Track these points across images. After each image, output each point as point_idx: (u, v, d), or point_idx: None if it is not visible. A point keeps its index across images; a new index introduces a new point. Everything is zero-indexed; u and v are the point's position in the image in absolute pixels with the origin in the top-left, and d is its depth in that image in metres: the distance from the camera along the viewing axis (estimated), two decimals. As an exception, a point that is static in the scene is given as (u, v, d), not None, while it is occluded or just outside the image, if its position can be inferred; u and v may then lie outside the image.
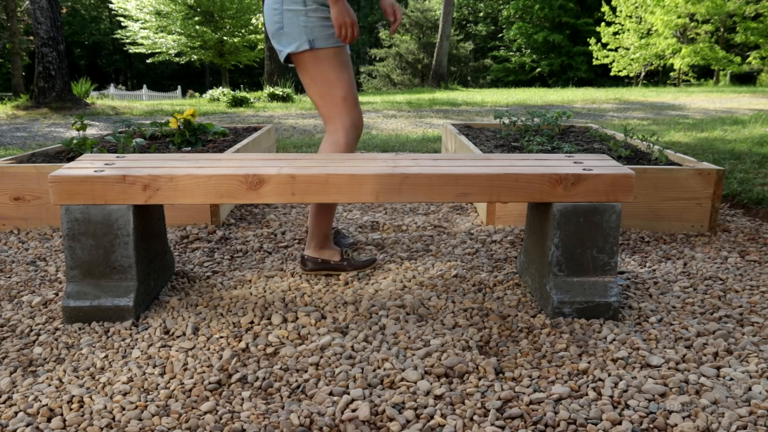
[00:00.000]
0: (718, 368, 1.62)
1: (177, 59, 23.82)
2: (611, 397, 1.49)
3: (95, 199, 1.88)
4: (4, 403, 1.49)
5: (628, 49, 22.65)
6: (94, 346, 1.78)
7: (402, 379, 1.57)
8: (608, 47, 23.30)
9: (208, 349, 1.76)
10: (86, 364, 1.67)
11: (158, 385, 1.57)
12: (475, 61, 30.89)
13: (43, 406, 1.46)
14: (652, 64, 23.32)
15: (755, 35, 19.88)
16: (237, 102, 12.13)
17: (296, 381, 1.58)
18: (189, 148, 3.74)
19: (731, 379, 1.57)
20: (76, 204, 1.88)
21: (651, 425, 1.38)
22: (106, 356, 1.71)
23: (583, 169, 1.92)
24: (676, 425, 1.38)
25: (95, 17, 34.18)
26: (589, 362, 1.66)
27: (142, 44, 23.13)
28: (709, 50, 20.37)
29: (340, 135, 2.26)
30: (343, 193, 1.92)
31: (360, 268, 2.38)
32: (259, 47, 24.09)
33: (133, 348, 1.77)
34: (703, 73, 24.97)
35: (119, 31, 24.34)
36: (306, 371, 1.63)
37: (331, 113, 2.24)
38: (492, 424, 1.38)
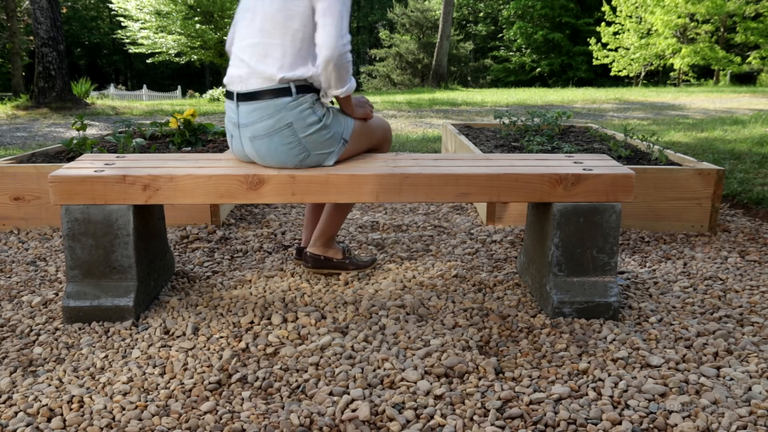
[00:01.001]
0: (718, 368, 1.63)
1: (177, 59, 23.80)
2: (611, 397, 1.49)
3: (95, 199, 1.88)
4: (4, 403, 1.49)
5: (628, 49, 22.63)
6: (94, 346, 1.78)
7: (402, 379, 1.57)
8: (608, 47, 23.28)
9: (208, 349, 1.76)
10: (86, 364, 1.67)
11: (158, 385, 1.57)
12: (475, 61, 30.87)
13: (43, 406, 1.46)
14: (652, 64, 23.30)
15: (755, 35, 19.87)
16: (237, 102, 12.11)
17: (296, 381, 1.58)
18: (189, 148, 3.74)
19: (731, 379, 1.57)
20: (76, 204, 1.88)
21: (651, 425, 1.38)
22: (106, 356, 1.72)
23: (583, 169, 1.92)
24: (676, 425, 1.38)
25: (95, 17, 34.18)
26: (589, 362, 1.66)
27: (142, 44, 23.12)
28: (709, 50, 20.35)
29: (385, 149, 2.33)
30: (343, 193, 1.92)
31: (362, 267, 2.38)
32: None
33: (133, 348, 1.77)
34: (703, 73, 24.95)
35: (119, 31, 24.33)
36: (306, 371, 1.63)
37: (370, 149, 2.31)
38: (492, 424, 1.38)
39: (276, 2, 1.90)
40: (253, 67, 1.93)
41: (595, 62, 24.25)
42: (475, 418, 1.41)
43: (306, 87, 1.94)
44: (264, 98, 1.93)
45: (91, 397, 1.50)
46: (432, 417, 1.41)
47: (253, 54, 1.94)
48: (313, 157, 1.98)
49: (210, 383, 1.56)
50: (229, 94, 2.03)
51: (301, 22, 1.89)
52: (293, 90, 1.91)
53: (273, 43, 1.91)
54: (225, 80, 2.06)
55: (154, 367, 1.65)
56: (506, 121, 4.43)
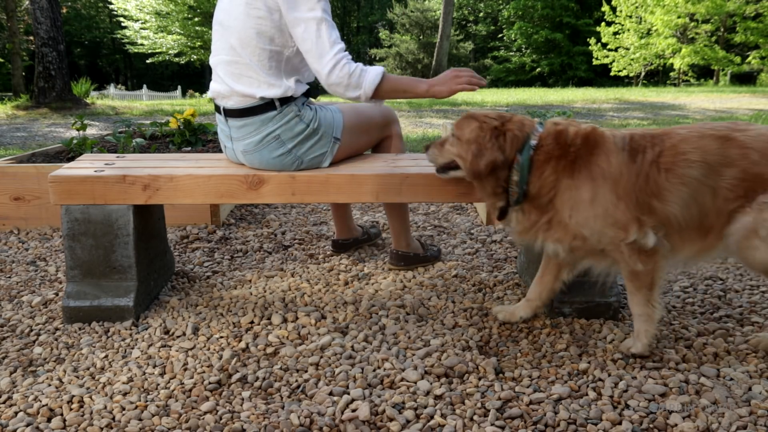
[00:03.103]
0: (718, 368, 1.63)
1: (177, 59, 23.81)
2: (611, 397, 1.49)
3: (95, 199, 1.88)
4: (4, 403, 1.49)
5: (628, 48, 22.63)
6: (94, 346, 1.78)
7: (402, 379, 1.57)
8: (608, 47, 23.28)
9: (208, 349, 1.76)
10: (86, 364, 1.67)
11: (158, 385, 1.56)
12: (475, 61, 30.86)
13: (43, 406, 1.46)
14: (652, 64, 23.31)
15: (755, 35, 19.87)
16: (237, 102, 12.09)
17: (296, 381, 1.58)
18: (189, 148, 3.74)
19: (731, 379, 1.57)
20: (76, 204, 1.88)
21: (651, 425, 1.38)
22: (106, 356, 1.71)
23: (583, 169, 1.92)
24: (676, 425, 1.38)
25: (95, 17, 34.17)
26: (589, 362, 1.65)
27: (142, 44, 23.13)
28: (709, 50, 20.37)
29: (394, 130, 2.30)
30: (343, 193, 1.91)
31: (438, 258, 2.48)
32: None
33: (133, 348, 1.77)
34: (703, 73, 24.95)
35: (119, 31, 24.34)
36: (306, 371, 1.63)
37: (380, 133, 2.26)
38: (492, 424, 1.38)
39: (241, 19, 1.85)
40: (230, 86, 1.91)
41: (595, 62, 24.26)
42: (475, 418, 1.41)
43: (290, 97, 1.91)
44: (249, 115, 1.91)
45: (91, 397, 1.50)
46: (432, 417, 1.41)
47: (228, 73, 1.92)
48: (307, 162, 1.97)
49: (210, 383, 1.55)
50: (216, 107, 2.02)
51: (269, 41, 1.84)
52: (277, 103, 1.90)
53: (244, 63, 1.87)
54: (209, 93, 2.04)
55: (154, 367, 1.65)
56: (506, 121, 4.42)
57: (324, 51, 1.80)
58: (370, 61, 31.03)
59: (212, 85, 2.01)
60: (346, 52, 1.84)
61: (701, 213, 1.58)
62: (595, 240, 1.60)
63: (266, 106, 1.90)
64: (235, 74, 1.90)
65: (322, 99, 2.09)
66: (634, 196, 1.57)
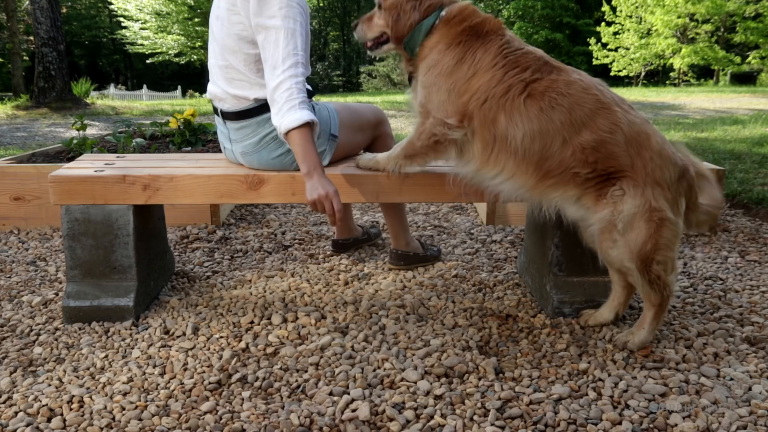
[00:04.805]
0: (718, 368, 1.63)
1: (177, 59, 23.82)
2: (611, 397, 1.49)
3: (95, 199, 1.88)
4: (4, 403, 1.49)
5: (628, 48, 22.62)
6: (94, 346, 1.78)
7: (402, 379, 1.57)
8: (608, 47, 23.27)
9: (208, 349, 1.76)
10: (86, 364, 1.67)
11: (158, 385, 1.56)
12: (475, 61, 30.82)
13: (43, 406, 1.46)
14: (652, 64, 23.30)
15: (755, 35, 19.86)
16: (237, 102, 12.08)
17: (296, 381, 1.58)
18: (189, 148, 3.74)
19: (731, 379, 1.57)
20: (76, 204, 1.88)
21: (651, 425, 1.38)
22: (106, 356, 1.71)
23: (583, 169, 1.92)
24: (676, 425, 1.38)
25: (95, 17, 34.17)
26: (589, 362, 1.66)
27: (142, 44, 23.15)
28: (709, 50, 20.36)
29: (385, 129, 2.33)
30: (343, 193, 1.91)
31: (438, 257, 2.49)
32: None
33: (133, 348, 1.77)
34: (703, 73, 24.94)
35: (119, 31, 24.35)
36: (306, 371, 1.63)
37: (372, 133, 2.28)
38: (492, 424, 1.38)
39: (224, 26, 1.86)
40: (224, 89, 1.92)
41: (595, 62, 24.23)
42: (475, 418, 1.41)
43: None
44: (245, 117, 1.92)
45: (91, 397, 1.50)
46: (432, 417, 1.41)
47: (221, 76, 1.92)
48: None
49: (210, 383, 1.55)
50: (215, 109, 2.03)
51: (251, 45, 1.83)
52: None
53: (233, 67, 1.88)
54: (207, 95, 2.06)
55: (154, 367, 1.65)
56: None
57: (276, 63, 1.74)
58: (370, 61, 30.99)
59: (209, 87, 2.02)
60: (299, 75, 1.75)
61: (543, 154, 1.60)
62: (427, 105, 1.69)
63: (262, 107, 1.90)
64: (228, 78, 1.91)
65: (321, 99, 2.05)
66: (485, 96, 1.61)
